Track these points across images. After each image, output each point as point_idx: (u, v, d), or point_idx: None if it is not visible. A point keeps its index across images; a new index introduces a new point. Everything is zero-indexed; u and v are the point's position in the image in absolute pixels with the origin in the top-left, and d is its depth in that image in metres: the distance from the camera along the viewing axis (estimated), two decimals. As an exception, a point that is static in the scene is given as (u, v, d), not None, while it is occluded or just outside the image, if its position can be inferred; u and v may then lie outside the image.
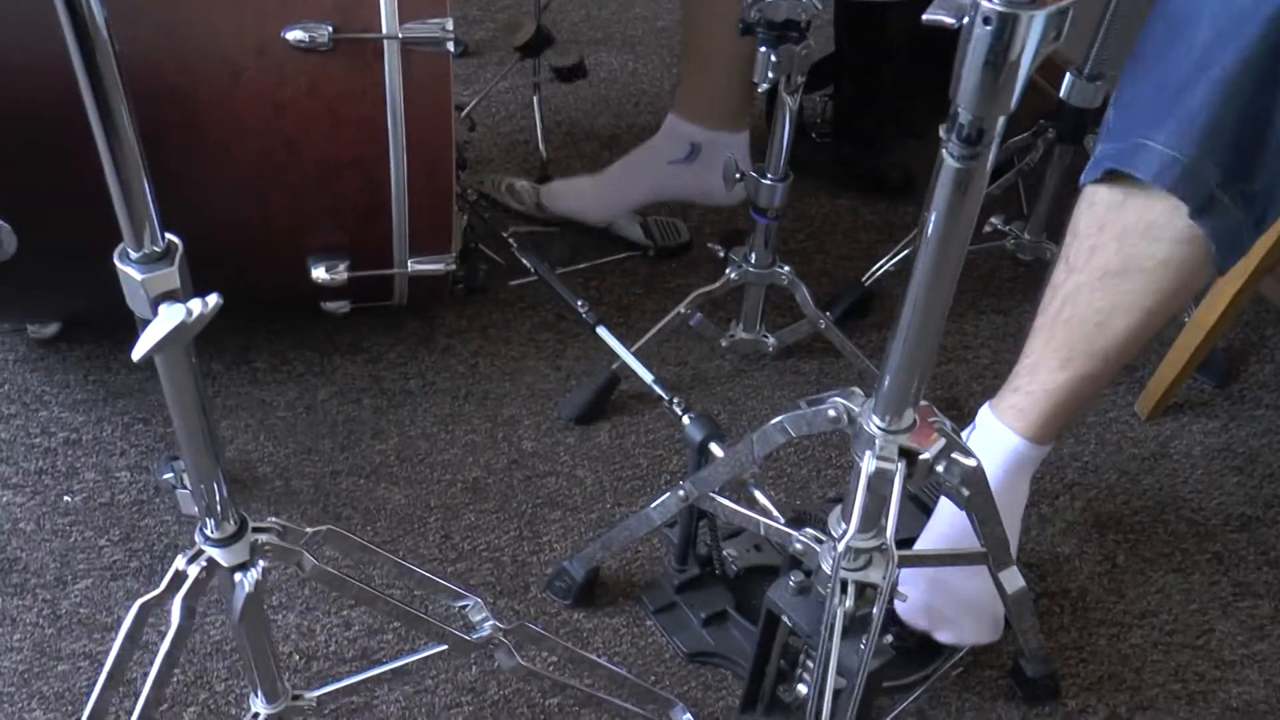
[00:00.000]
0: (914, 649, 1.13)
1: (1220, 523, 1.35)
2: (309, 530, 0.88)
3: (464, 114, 1.59)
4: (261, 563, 0.82)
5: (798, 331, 1.45)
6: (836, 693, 0.87)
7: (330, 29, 1.09)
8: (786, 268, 1.38)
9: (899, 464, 0.79)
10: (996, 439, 1.11)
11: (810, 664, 0.99)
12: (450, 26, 1.11)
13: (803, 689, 1.02)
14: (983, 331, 1.58)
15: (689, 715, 1.10)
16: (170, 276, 0.67)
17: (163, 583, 0.84)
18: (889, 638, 0.94)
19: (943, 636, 1.12)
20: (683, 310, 1.39)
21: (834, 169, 1.79)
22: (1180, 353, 1.41)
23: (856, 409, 0.82)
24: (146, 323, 0.68)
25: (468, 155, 1.62)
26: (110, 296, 1.43)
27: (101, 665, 1.12)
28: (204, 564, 0.83)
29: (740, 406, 1.45)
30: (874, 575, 0.87)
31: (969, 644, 1.14)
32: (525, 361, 1.49)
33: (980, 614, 1.12)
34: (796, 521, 1.04)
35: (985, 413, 1.12)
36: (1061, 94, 1.48)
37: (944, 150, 0.66)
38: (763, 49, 1.17)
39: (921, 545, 1.10)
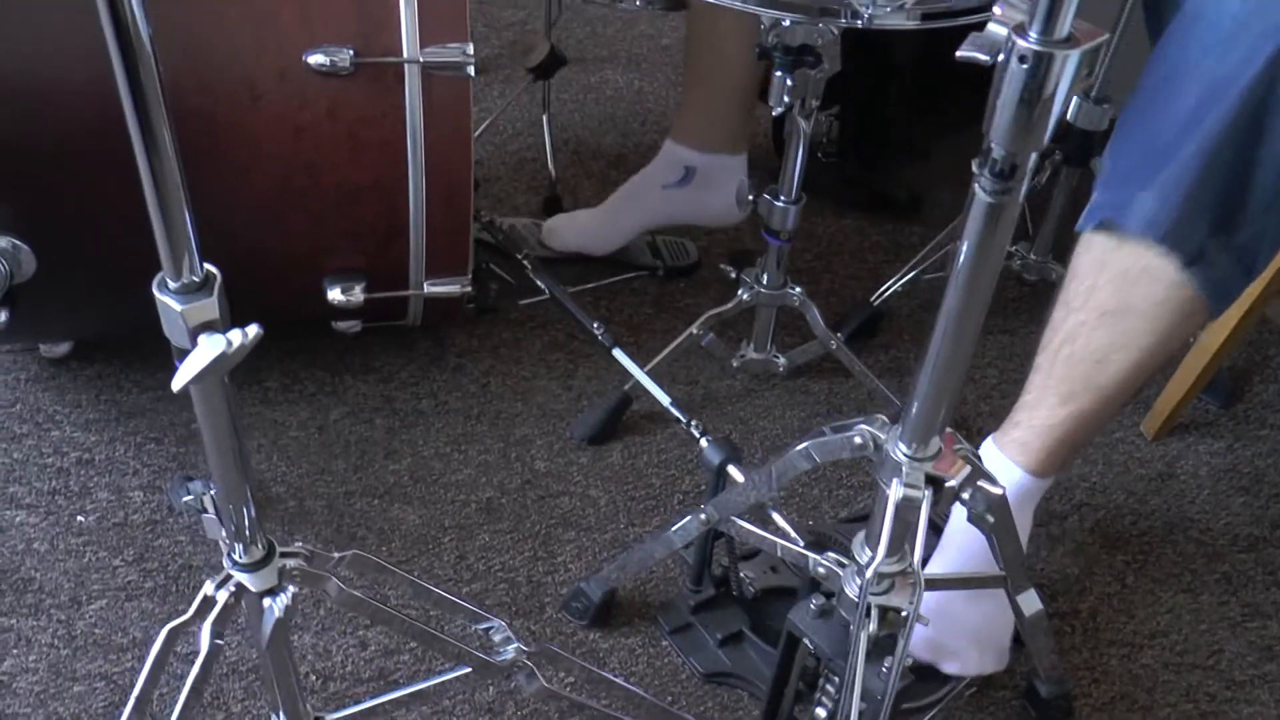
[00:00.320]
0: (927, 670, 1.14)
1: (1228, 543, 1.36)
2: (336, 555, 0.88)
3: (476, 135, 1.60)
4: (291, 588, 0.83)
5: (808, 352, 1.46)
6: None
7: (351, 53, 1.09)
8: (798, 289, 1.39)
9: (926, 492, 0.80)
10: (1000, 472, 1.12)
11: (830, 687, 0.99)
12: (471, 51, 1.11)
13: (821, 712, 1.02)
14: (989, 351, 1.59)
15: (707, 736, 1.11)
16: (210, 307, 0.67)
17: (191, 608, 0.84)
18: (909, 659, 0.95)
19: (948, 668, 1.12)
20: (695, 331, 1.39)
21: (840, 189, 1.81)
22: (1187, 374, 1.43)
23: (882, 436, 0.82)
24: (184, 352, 0.69)
25: (478, 175, 1.62)
26: (125, 318, 1.43)
27: (117, 686, 1.14)
28: (233, 589, 0.84)
29: (752, 426, 1.45)
30: (896, 599, 0.88)
31: (974, 674, 1.15)
32: (536, 381, 1.49)
33: (985, 644, 1.13)
34: (816, 544, 1.05)
35: (989, 445, 1.14)
36: (1068, 116, 1.50)
37: (976, 184, 0.67)
38: (778, 73, 1.18)
39: (933, 570, 1.11)
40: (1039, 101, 0.62)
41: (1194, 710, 1.19)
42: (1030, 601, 1.01)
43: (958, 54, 0.65)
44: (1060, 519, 1.38)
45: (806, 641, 0.97)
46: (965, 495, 0.82)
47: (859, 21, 0.96)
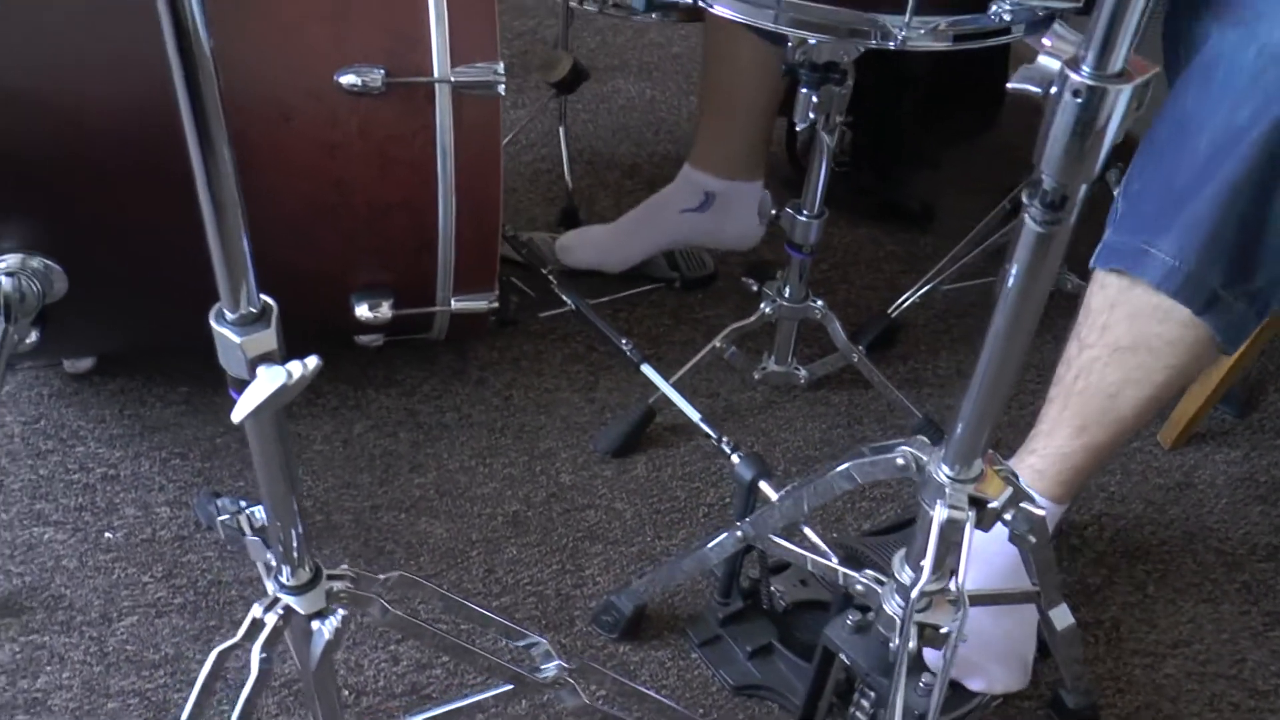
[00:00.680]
0: (952, 684, 1.15)
1: (1247, 552, 1.38)
2: (381, 577, 0.89)
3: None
4: (341, 611, 0.83)
5: (829, 364, 1.47)
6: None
7: (383, 72, 1.10)
8: (819, 301, 1.40)
9: (969, 513, 0.81)
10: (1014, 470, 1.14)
11: (865, 702, 1.00)
12: (501, 70, 1.12)
13: (857, 725, 1.03)
14: (1007, 361, 1.60)
15: (739, 750, 1.12)
16: (268, 338, 0.68)
17: (240, 631, 0.85)
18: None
19: (973, 684, 1.13)
20: (718, 345, 1.40)
21: (854, 199, 1.82)
22: (1204, 385, 1.44)
23: (925, 458, 0.83)
24: (242, 383, 0.69)
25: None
26: (151, 334, 1.44)
27: (151, 703, 1.14)
28: (281, 612, 0.84)
29: (774, 439, 1.46)
30: (935, 617, 0.89)
31: (999, 691, 1.16)
32: (559, 393, 1.50)
33: (1010, 661, 1.14)
34: (850, 560, 1.06)
35: None
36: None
37: (1026, 214, 0.68)
38: (804, 90, 1.19)
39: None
40: (1091, 135, 0.63)
41: (1218, 720, 1.21)
42: (1062, 616, 1.02)
43: (1009, 85, 0.66)
44: (1080, 529, 1.40)
45: (843, 656, 0.98)
46: (1007, 516, 0.82)
47: (891, 43, 0.97)
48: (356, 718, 1.15)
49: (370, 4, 1.11)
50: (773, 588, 1.18)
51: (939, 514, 0.81)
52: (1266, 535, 1.40)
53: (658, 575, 1.16)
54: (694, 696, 1.18)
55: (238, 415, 0.67)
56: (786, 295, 1.39)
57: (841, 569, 0.98)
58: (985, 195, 1.88)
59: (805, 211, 1.32)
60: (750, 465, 1.10)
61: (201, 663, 1.16)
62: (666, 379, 1.42)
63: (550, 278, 1.52)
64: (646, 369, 1.39)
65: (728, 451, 1.29)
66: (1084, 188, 0.67)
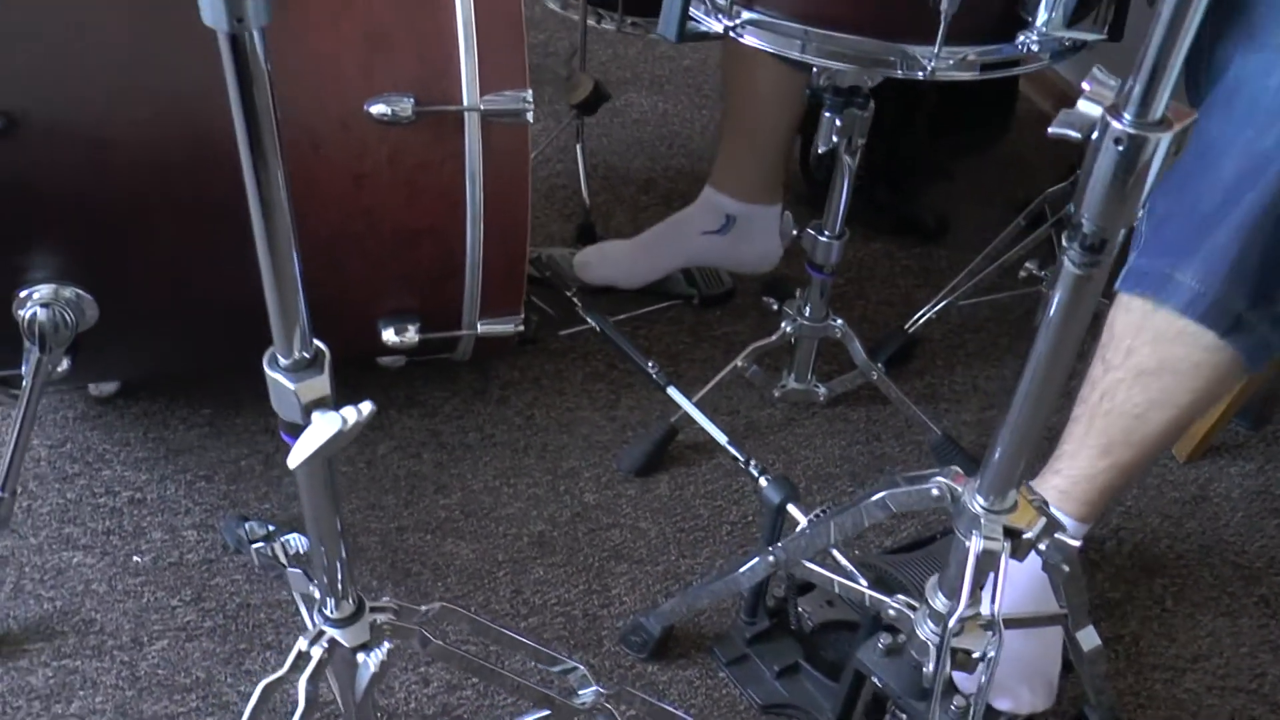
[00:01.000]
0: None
1: (1264, 566, 1.39)
2: (423, 608, 0.90)
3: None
4: (386, 644, 0.84)
5: (848, 381, 1.48)
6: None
7: (413, 101, 1.11)
8: (839, 320, 1.41)
9: (1005, 544, 0.82)
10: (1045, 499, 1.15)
11: (895, 723, 1.02)
12: (530, 98, 1.13)
13: (889, 747, 1.04)
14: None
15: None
16: (321, 384, 0.69)
17: (286, 663, 0.86)
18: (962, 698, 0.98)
19: (1001, 704, 1.15)
20: (740, 364, 1.42)
21: (868, 213, 1.83)
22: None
23: (960, 489, 0.85)
24: (295, 426, 0.70)
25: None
26: (179, 360, 1.44)
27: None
28: (326, 645, 0.86)
29: (795, 456, 1.47)
30: (968, 642, 0.91)
31: (1025, 712, 1.17)
32: (580, 412, 1.51)
33: (1036, 680, 1.15)
34: (880, 583, 1.07)
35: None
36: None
37: (1064, 256, 0.69)
38: (827, 114, 1.20)
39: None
40: (1131, 181, 0.64)
41: (1240, 734, 1.22)
42: (1089, 637, 1.03)
43: (1050, 130, 0.67)
44: (1098, 544, 1.41)
45: (875, 679, 0.99)
46: (1041, 546, 0.84)
47: (919, 74, 0.98)
48: (390, 741, 1.16)
49: (400, 33, 1.12)
50: (800, 608, 1.19)
51: (975, 545, 0.82)
52: (1283, 548, 1.42)
53: (686, 597, 1.17)
54: (722, 716, 1.19)
55: (294, 461, 0.68)
56: (807, 314, 1.40)
57: (872, 593, 0.99)
58: (998, 207, 1.90)
59: (827, 232, 1.33)
60: (778, 489, 1.11)
61: (233, 686, 1.19)
62: (687, 396, 1.43)
63: (574, 300, 1.53)
64: (673, 391, 1.41)
65: (755, 474, 1.30)
66: (1122, 233, 0.68)
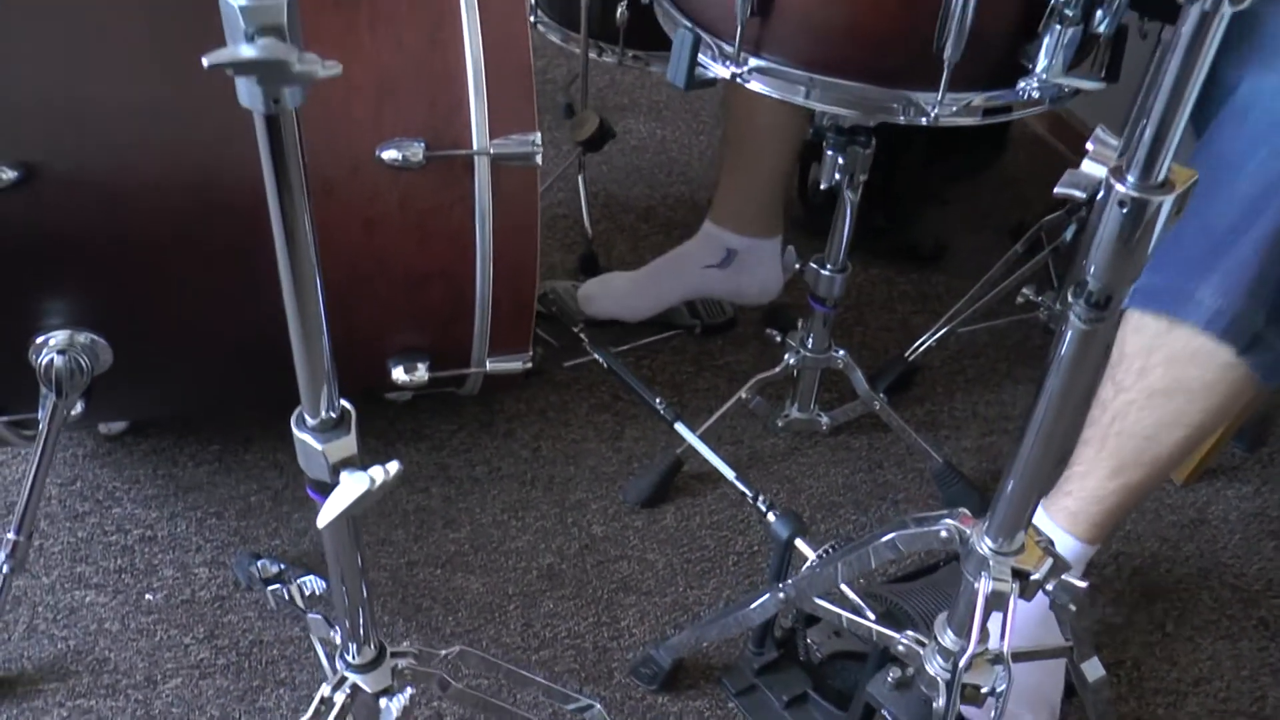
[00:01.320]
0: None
1: (1262, 588, 1.41)
2: (442, 652, 0.91)
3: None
4: (409, 689, 0.86)
5: (851, 411, 1.50)
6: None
7: (423, 146, 1.12)
8: (842, 351, 1.43)
9: (1014, 585, 0.84)
10: (1052, 539, 1.17)
11: (906, 756, 1.03)
12: (539, 140, 1.15)
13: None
14: (1020, 401, 1.64)
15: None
16: (349, 444, 0.71)
17: (309, 710, 0.87)
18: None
19: None
20: (744, 395, 1.43)
21: (865, 239, 1.84)
22: (1217, 423, 1.47)
23: (968, 531, 0.86)
24: (323, 485, 0.72)
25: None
26: (190, 401, 1.46)
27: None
28: (348, 690, 0.87)
29: (798, 485, 1.49)
30: (976, 677, 0.92)
31: None
32: (586, 444, 1.53)
33: (1039, 706, 1.17)
34: (887, 615, 1.08)
35: (1039, 513, 1.18)
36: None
37: (1071, 313, 0.71)
38: (830, 152, 1.22)
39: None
40: (1136, 241, 0.66)
41: (1242, 758, 1.24)
42: (1094, 668, 1.05)
43: (1055, 190, 0.70)
44: (1099, 568, 1.43)
45: (885, 713, 1.01)
46: (1049, 587, 0.86)
47: (923, 120, 1.00)
48: (403, 776, 1.17)
49: (410, 78, 1.14)
50: (808, 639, 1.21)
51: (984, 586, 0.84)
52: (1280, 571, 1.44)
53: (696, 630, 1.19)
54: (733, 748, 1.21)
55: (323, 521, 0.70)
56: (810, 346, 1.42)
57: (881, 628, 1.01)
58: (994, 231, 1.93)
59: (829, 266, 1.35)
60: (787, 524, 1.13)
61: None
62: (691, 425, 1.45)
63: (581, 335, 1.55)
64: (680, 427, 1.42)
65: (763, 510, 1.32)
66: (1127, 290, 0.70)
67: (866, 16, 0.97)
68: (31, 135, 1.06)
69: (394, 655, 0.88)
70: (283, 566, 1.32)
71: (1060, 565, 0.86)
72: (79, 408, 1.18)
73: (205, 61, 0.50)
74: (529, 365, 1.31)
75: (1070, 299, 0.71)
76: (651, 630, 1.31)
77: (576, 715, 1.01)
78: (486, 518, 1.43)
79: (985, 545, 0.85)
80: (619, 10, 1.60)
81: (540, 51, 2.31)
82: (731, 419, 1.53)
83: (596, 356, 1.54)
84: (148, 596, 1.33)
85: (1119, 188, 0.65)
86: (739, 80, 1.04)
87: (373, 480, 0.69)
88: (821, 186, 1.27)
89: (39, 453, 1.15)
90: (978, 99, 1.00)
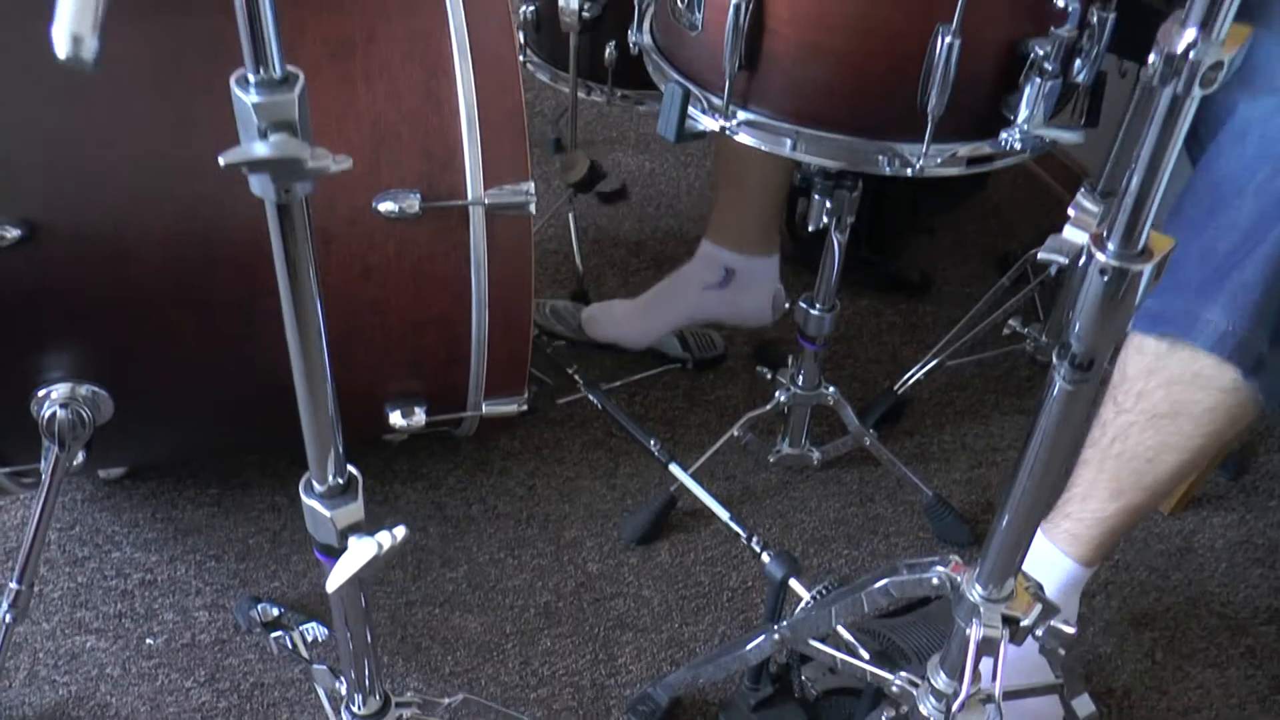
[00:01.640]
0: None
1: (1249, 616, 1.44)
2: (445, 701, 0.93)
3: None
4: (414, 743, 0.87)
5: (841, 446, 1.52)
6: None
7: (419, 198, 1.14)
8: (832, 388, 1.45)
9: (1004, 631, 0.86)
10: (1051, 562, 1.19)
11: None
12: (532, 190, 1.17)
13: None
14: (1008, 433, 1.66)
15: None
16: (356, 509, 0.72)
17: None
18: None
19: None
20: (736, 433, 1.45)
21: (853, 270, 1.87)
22: (1201, 453, 1.50)
23: (959, 578, 0.88)
24: (331, 549, 0.73)
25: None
26: (189, 447, 1.47)
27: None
28: (353, 743, 0.88)
29: (791, 520, 1.51)
30: (968, 717, 0.94)
31: None
32: (580, 481, 1.54)
33: None
34: (882, 655, 1.10)
35: (1038, 536, 1.20)
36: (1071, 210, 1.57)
37: (1055, 373, 0.73)
38: (816, 196, 1.25)
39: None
40: (1117, 306, 0.68)
41: (1231, 787, 1.26)
42: (1084, 705, 1.07)
43: (1039, 256, 0.72)
44: (1089, 598, 1.45)
45: (879, 753, 1.03)
46: (1039, 632, 0.88)
47: (908, 170, 1.03)
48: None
49: (406, 130, 1.16)
50: (803, 675, 1.23)
51: (975, 633, 0.86)
52: (1267, 598, 1.46)
53: (692, 668, 1.20)
54: (731, 785, 1.22)
55: (332, 585, 0.71)
56: (800, 383, 1.44)
57: (875, 669, 1.03)
58: (979, 260, 1.96)
59: (819, 306, 1.37)
60: (781, 564, 1.14)
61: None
62: (684, 464, 1.47)
63: (576, 376, 1.57)
64: (674, 468, 1.44)
65: (757, 550, 1.34)
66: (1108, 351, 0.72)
67: (851, 72, 0.99)
68: (35, 192, 1.07)
69: (399, 705, 0.89)
70: (282, 610, 1.33)
71: (1049, 610, 0.88)
72: (80, 458, 1.19)
73: (221, 161, 0.52)
74: (524, 408, 1.33)
75: (1055, 360, 0.73)
76: (648, 667, 1.33)
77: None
78: (483, 556, 1.44)
79: (975, 592, 0.87)
80: (607, 51, 1.63)
81: (529, 84, 2.33)
82: (724, 454, 1.55)
83: (593, 399, 1.56)
84: (148, 641, 1.34)
85: (1099, 256, 0.67)
86: (728, 133, 1.06)
87: (380, 545, 0.71)
88: (809, 229, 1.29)
89: (41, 504, 1.16)
90: (962, 150, 1.03)
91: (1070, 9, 0.95)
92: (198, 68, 1.11)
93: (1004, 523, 0.83)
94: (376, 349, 1.23)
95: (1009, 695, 1.13)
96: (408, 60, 1.17)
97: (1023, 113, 1.01)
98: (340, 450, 0.72)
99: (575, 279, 1.82)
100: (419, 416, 1.29)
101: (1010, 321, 1.70)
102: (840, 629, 1.19)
